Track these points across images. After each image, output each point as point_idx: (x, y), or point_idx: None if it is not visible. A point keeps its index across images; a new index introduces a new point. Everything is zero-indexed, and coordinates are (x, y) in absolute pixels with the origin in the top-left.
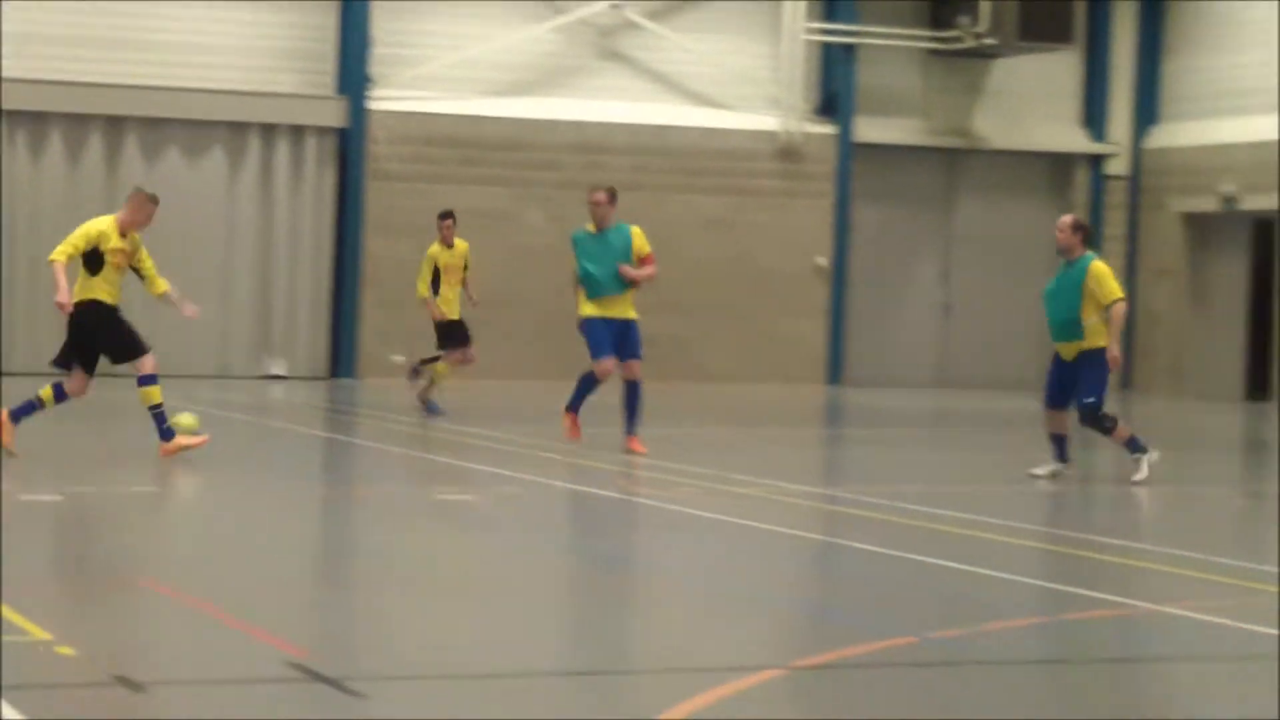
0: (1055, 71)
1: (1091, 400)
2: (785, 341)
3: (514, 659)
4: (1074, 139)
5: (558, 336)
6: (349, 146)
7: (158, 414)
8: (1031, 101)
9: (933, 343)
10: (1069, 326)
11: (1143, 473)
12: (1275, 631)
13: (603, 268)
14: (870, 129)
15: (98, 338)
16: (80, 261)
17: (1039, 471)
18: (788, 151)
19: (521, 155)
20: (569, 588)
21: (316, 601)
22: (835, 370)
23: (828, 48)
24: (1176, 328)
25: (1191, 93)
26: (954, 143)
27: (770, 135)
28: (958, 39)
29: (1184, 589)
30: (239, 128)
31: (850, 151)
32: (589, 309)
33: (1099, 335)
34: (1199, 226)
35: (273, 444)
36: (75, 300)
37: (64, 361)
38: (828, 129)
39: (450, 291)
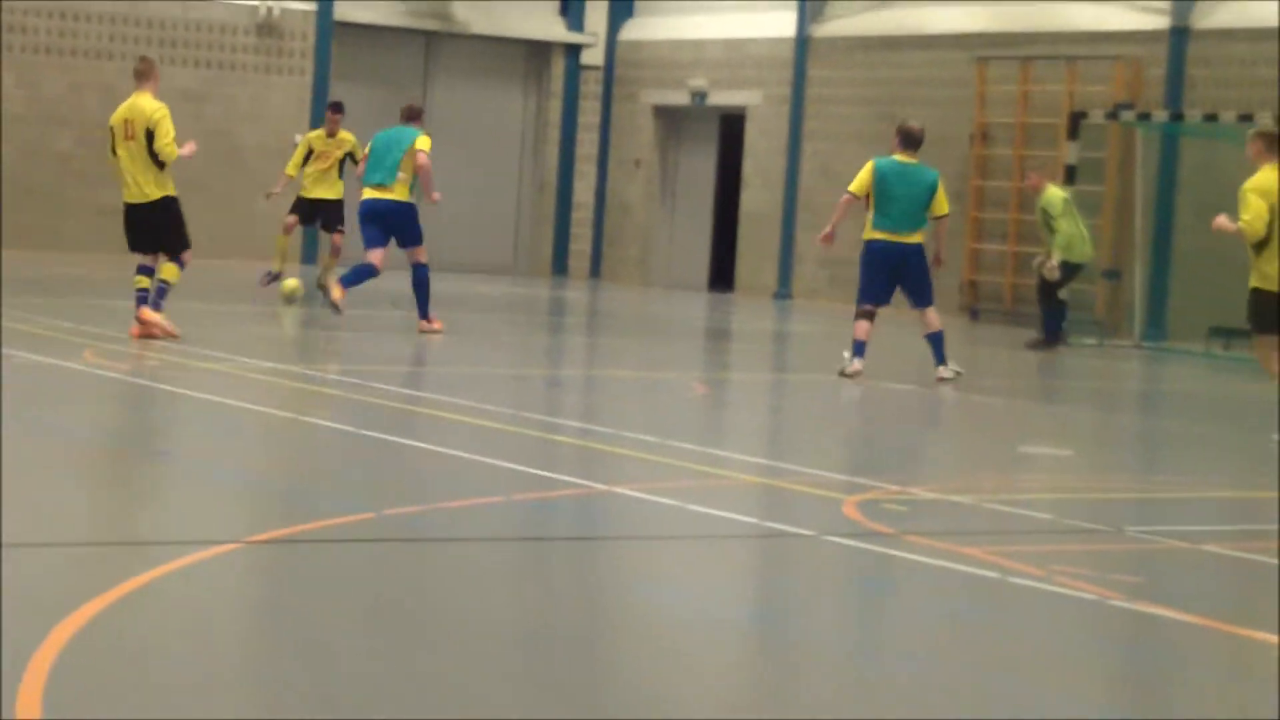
0: None
1: None
2: (262, 219)
3: None
4: (551, 28)
5: (25, 206)
6: None
7: (163, 289)
8: None
9: None
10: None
11: (848, 365)
12: (723, 513)
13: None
14: (350, 8)
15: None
16: (148, 155)
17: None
18: (266, 27)
19: None
20: (23, 460)
21: None
22: (310, 249)
23: None
24: (646, 218)
25: None
26: (433, 26)
27: (250, 10)
28: None
29: (639, 471)
30: None
31: (330, 29)
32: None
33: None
34: (670, 119)
35: None
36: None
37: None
38: (307, 6)
39: (317, 172)
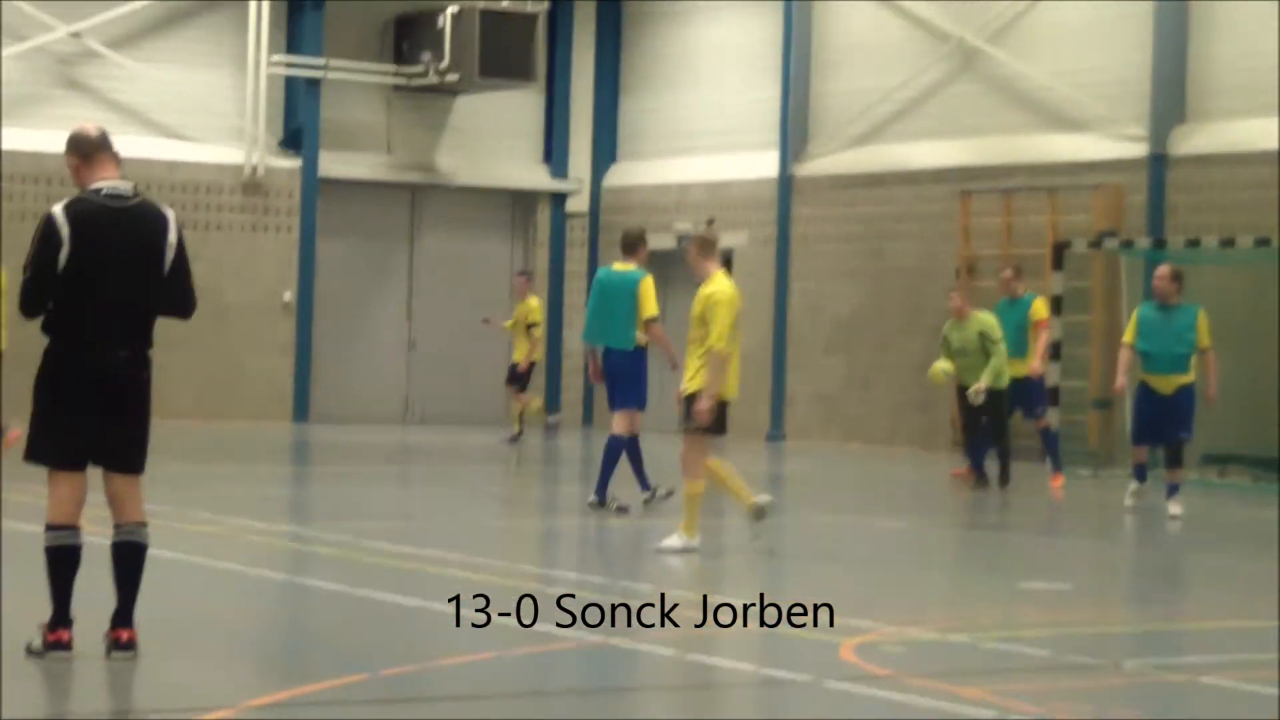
0: (517, 109)
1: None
2: (251, 377)
3: None
4: (535, 176)
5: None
6: None
7: None
8: (494, 138)
9: (397, 379)
10: (1179, 361)
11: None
12: (721, 661)
13: None
14: (334, 163)
15: None
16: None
17: (1128, 501)
18: (252, 185)
19: None
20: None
21: None
22: (302, 407)
23: (292, 81)
24: None
25: (648, 131)
26: (417, 178)
27: (235, 169)
28: (421, 75)
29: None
30: None
31: (315, 186)
32: None
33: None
34: (659, 263)
35: None
36: None
37: None
38: (292, 163)
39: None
